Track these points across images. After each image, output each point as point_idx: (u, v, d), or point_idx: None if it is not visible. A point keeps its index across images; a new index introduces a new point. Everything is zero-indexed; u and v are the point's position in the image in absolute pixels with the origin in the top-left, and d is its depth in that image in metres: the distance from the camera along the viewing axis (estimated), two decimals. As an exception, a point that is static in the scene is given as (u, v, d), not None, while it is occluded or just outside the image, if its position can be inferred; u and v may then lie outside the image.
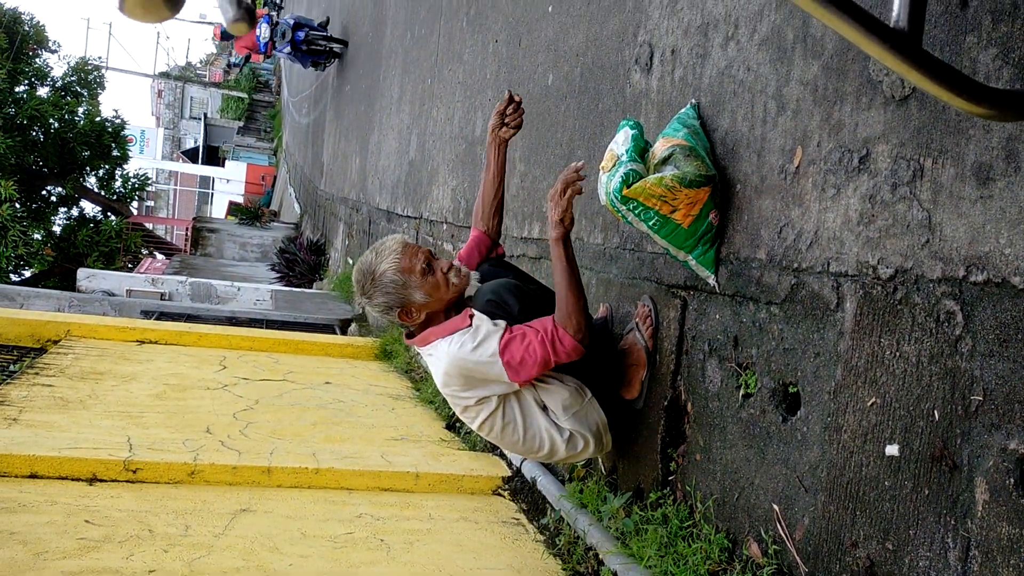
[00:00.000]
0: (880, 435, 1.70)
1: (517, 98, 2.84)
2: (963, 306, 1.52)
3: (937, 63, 1.01)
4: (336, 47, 12.22)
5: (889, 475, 1.66)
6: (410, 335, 2.61)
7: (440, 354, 2.49)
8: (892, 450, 1.66)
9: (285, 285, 12.02)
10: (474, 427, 2.61)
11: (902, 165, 1.68)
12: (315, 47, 12.28)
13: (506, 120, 2.87)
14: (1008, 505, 1.40)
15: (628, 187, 2.21)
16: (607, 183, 2.30)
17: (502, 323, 2.47)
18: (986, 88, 1.07)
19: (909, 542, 1.60)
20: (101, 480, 3.17)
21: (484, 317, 2.47)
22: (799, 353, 1.96)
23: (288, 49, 12.10)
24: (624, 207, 2.25)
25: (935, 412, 1.56)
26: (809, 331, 1.93)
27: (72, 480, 3.14)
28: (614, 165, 2.30)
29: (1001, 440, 1.42)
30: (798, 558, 1.91)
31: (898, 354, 1.66)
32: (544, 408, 2.56)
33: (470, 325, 2.46)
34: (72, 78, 19.91)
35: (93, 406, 4.09)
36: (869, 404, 1.73)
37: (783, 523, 1.98)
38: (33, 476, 3.12)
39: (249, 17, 0.80)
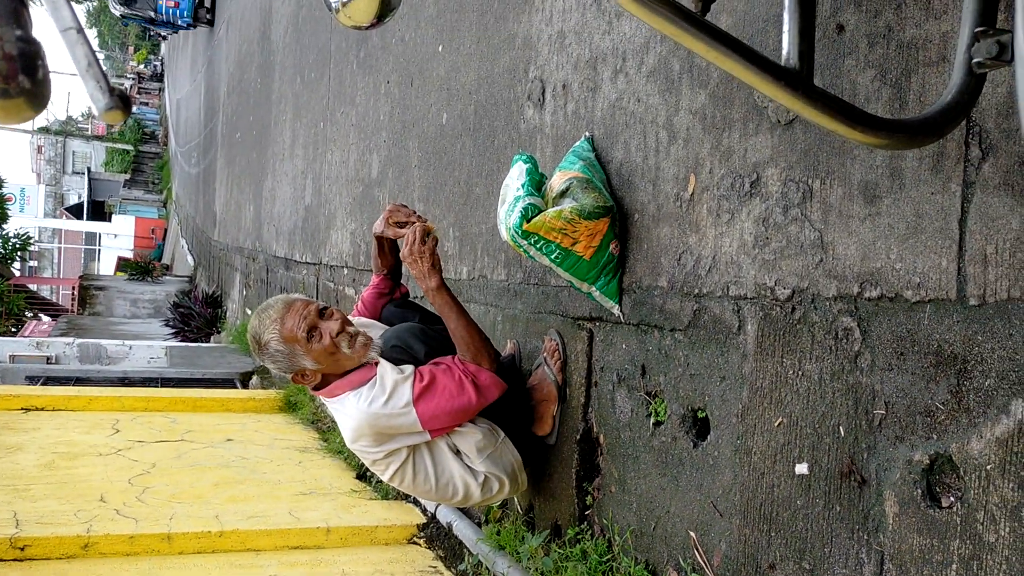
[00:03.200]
0: (789, 455, 1.71)
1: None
2: (860, 322, 1.55)
3: (831, 99, 1.02)
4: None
5: (801, 494, 1.68)
6: (316, 387, 2.52)
7: (349, 409, 2.40)
8: (802, 468, 1.68)
9: (181, 340, 11.60)
10: (385, 479, 2.53)
11: (791, 187, 1.71)
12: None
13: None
14: (917, 516, 1.42)
15: (528, 221, 2.20)
16: (506, 219, 2.28)
17: (409, 368, 2.40)
18: (880, 120, 1.09)
19: (825, 560, 1.61)
20: (-17, 562, 2.94)
21: (388, 366, 2.41)
22: (705, 378, 1.97)
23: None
24: (525, 241, 2.23)
25: (840, 428, 1.58)
26: (714, 355, 1.94)
27: (-51, 565, 2.90)
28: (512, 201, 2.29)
29: (906, 452, 1.45)
30: (718, 584, 1.90)
31: (801, 373, 1.69)
32: (457, 452, 2.50)
33: (375, 375, 2.39)
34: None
35: (-27, 482, 3.82)
36: (776, 424, 1.74)
37: (700, 550, 1.97)
38: (-96, 564, 2.87)
39: (123, 103, 0.72)
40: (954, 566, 1.35)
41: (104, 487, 3.81)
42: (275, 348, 2.39)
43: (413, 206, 3.97)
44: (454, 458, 2.50)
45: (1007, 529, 1.27)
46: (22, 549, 3.00)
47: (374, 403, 2.34)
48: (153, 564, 3.02)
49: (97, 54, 0.71)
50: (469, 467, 2.50)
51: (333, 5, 0.94)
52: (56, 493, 3.70)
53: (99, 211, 41.75)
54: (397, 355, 2.48)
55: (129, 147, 43.31)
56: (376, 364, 2.43)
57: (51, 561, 3.00)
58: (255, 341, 2.44)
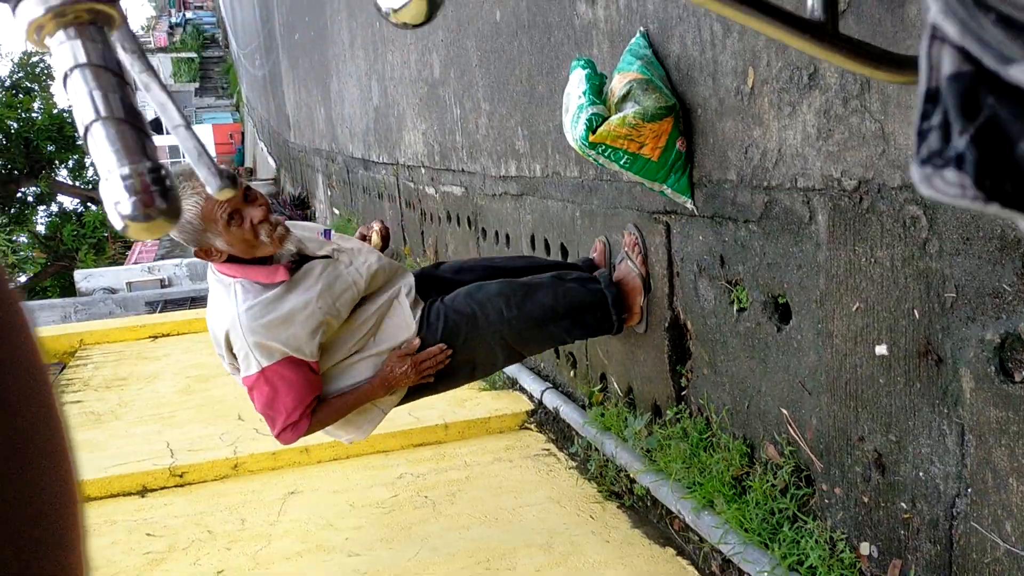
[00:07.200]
0: (868, 337, 1.80)
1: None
2: (925, 210, 1.60)
3: (856, 44, 1.06)
4: None
5: (882, 373, 1.77)
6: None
7: (229, 299, 2.27)
8: (881, 350, 1.77)
9: (278, 245, 12.02)
10: None
11: (849, 79, 1.72)
12: None
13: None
14: (992, 391, 1.50)
15: (593, 132, 2.26)
16: (572, 129, 2.35)
17: (279, 351, 2.25)
18: (903, 57, 1.12)
19: (909, 432, 1.72)
20: (151, 490, 3.32)
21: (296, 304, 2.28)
22: (782, 266, 2.05)
23: None
24: (593, 151, 2.30)
25: (915, 311, 1.66)
26: (788, 245, 2.01)
27: (124, 496, 3.29)
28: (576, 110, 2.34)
29: (978, 332, 1.52)
30: (812, 455, 2.04)
31: (873, 260, 1.75)
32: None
33: (278, 283, 2.27)
34: (19, 74, 19.54)
35: (124, 415, 4.23)
36: (854, 309, 1.82)
37: (794, 425, 2.10)
38: (87, 500, 3.27)
39: (232, 181, 0.77)
40: (1029, 436, 1.45)
41: (239, 405, 4.15)
42: (188, 220, 2.19)
43: (478, 107, 4.02)
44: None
45: (1077, 401, 1.35)
46: (181, 476, 3.37)
47: (251, 312, 2.24)
48: (297, 475, 3.35)
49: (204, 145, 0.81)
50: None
51: (383, 9, 1.02)
52: (198, 417, 4.07)
53: (176, 123, 42.54)
54: (454, 317, 2.51)
55: (193, 55, 43.66)
56: (288, 267, 2.31)
57: (207, 483, 3.36)
58: None
